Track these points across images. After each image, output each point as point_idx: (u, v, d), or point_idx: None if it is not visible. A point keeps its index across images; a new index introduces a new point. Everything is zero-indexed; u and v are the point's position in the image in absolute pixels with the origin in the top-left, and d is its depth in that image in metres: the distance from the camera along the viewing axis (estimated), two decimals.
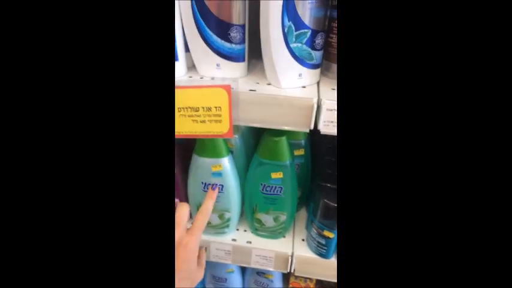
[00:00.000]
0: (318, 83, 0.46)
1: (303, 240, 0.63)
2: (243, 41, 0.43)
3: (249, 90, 0.42)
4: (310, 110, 0.40)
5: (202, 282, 0.78)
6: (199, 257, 0.45)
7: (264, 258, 0.61)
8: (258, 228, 0.61)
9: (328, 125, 0.41)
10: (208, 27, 0.41)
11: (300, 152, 0.59)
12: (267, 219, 0.59)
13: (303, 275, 0.63)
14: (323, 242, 0.57)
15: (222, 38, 0.42)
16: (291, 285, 0.72)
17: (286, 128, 0.42)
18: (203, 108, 0.42)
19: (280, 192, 0.55)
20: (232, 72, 0.45)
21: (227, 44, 0.42)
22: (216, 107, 0.41)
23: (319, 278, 0.62)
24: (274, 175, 0.53)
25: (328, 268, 0.60)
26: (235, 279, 0.73)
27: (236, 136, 0.58)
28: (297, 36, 0.39)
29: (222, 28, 0.41)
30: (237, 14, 0.41)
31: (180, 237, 0.42)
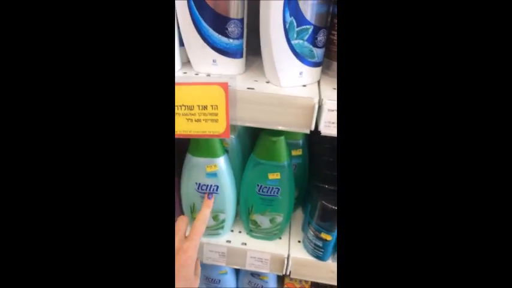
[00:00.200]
0: (318, 82, 0.44)
1: (299, 241, 0.61)
2: (241, 36, 0.41)
3: (247, 88, 0.40)
4: (311, 111, 0.39)
5: None
6: (195, 266, 0.43)
7: (259, 260, 0.59)
8: (253, 230, 0.60)
9: (329, 126, 0.39)
10: (205, 21, 0.39)
11: (297, 152, 0.58)
12: (263, 221, 0.57)
13: (299, 277, 0.61)
14: (320, 244, 0.56)
15: (219, 32, 0.40)
16: (285, 286, 0.71)
17: (285, 128, 0.41)
18: (198, 106, 0.40)
19: (277, 193, 0.53)
20: (229, 68, 0.43)
21: (224, 39, 0.40)
22: (212, 106, 0.39)
23: (315, 280, 0.61)
24: (271, 176, 0.51)
25: (324, 270, 0.59)
26: (229, 281, 0.72)
27: (232, 135, 0.56)
28: (298, 33, 0.37)
29: (219, 22, 0.39)
30: (236, 8, 0.38)
31: (179, 243, 0.41)
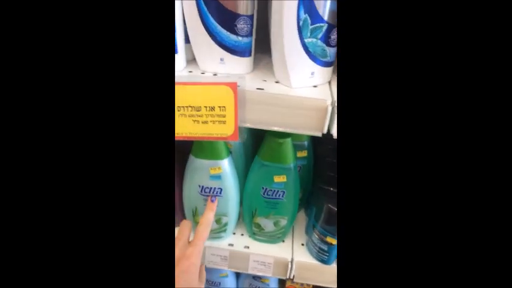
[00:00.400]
0: (329, 83, 0.42)
1: (303, 244, 0.60)
2: (250, 34, 0.39)
3: (256, 88, 0.38)
4: (323, 113, 0.37)
5: None
6: (200, 272, 0.41)
7: (262, 264, 0.58)
8: (257, 233, 0.58)
9: None
10: (213, 17, 0.37)
11: (303, 154, 0.56)
12: (267, 224, 0.56)
13: (302, 281, 0.60)
14: (325, 248, 0.55)
15: (227, 29, 0.38)
16: None
17: (296, 131, 0.39)
18: (206, 107, 0.38)
19: (282, 196, 0.52)
20: (236, 67, 0.41)
21: (233, 36, 0.38)
22: (220, 107, 0.37)
23: (319, 284, 0.59)
24: (277, 178, 0.50)
25: (328, 274, 0.57)
26: (229, 284, 0.70)
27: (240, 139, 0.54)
28: (312, 31, 0.35)
29: (228, 18, 0.37)
30: (245, 4, 0.36)
31: (181, 249, 0.39)
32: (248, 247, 0.58)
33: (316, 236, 0.55)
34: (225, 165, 0.49)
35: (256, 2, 0.37)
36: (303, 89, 0.39)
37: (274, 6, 0.35)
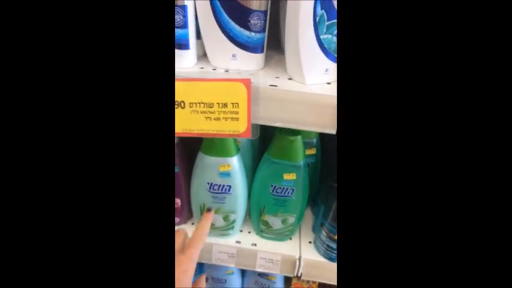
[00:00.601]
0: None
1: (310, 242, 0.60)
2: (263, 30, 0.38)
3: (269, 85, 0.38)
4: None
5: None
6: (199, 282, 0.40)
7: (269, 261, 0.58)
8: (264, 230, 0.58)
9: None
10: (226, 13, 0.36)
11: (311, 152, 0.56)
12: (275, 222, 0.56)
13: (310, 279, 0.60)
14: (333, 245, 0.55)
15: (241, 25, 0.37)
16: (293, 287, 0.70)
17: (310, 129, 0.39)
18: (218, 104, 0.37)
19: (291, 194, 0.52)
20: (248, 64, 0.40)
21: (246, 32, 0.38)
22: (233, 103, 0.37)
23: (326, 282, 0.59)
24: (286, 176, 0.50)
25: (336, 272, 0.57)
26: (235, 281, 0.70)
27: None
28: (328, 27, 0.35)
29: (242, 14, 0.36)
30: None
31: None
32: (255, 244, 0.58)
33: (325, 234, 0.55)
34: (235, 163, 0.48)
35: None
36: (316, 86, 0.38)
37: (290, 1, 0.34)
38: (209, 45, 0.40)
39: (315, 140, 0.56)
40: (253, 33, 0.38)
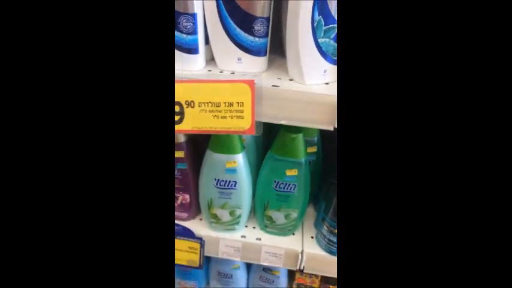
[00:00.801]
0: None
1: (312, 237, 0.62)
2: (266, 35, 0.42)
3: (272, 86, 0.41)
4: (334, 108, 0.39)
5: (207, 278, 0.77)
6: None
7: (273, 255, 0.60)
8: (268, 225, 0.61)
9: None
10: (232, 19, 0.40)
11: (312, 149, 0.59)
12: (278, 217, 0.58)
13: (312, 272, 0.62)
14: (334, 239, 0.57)
15: (246, 31, 0.40)
16: (296, 281, 0.72)
17: (309, 125, 0.42)
18: (225, 103, 0.40)
19: (293, 189, 0.54)
20: (253, 66, 0.44)
21: (250, 37, 0.41)
22: (238, 103, 0.40)
23: (327, 275, 0.62)
24: (289, 172, 0.52)
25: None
26: (241, 276, 0.73)
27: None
28: (325, 31, 0.38)
29: (247, 20, 0.40)
30: (262, 6, 0.39)
31: None
32: (260, 239, 0.61)
33: (326, 228, 0.57)
34: (240, 159, 0.51)
35: (272, 4, 0.40)
36: (316, 86, 0.41)
37: (290, 8, 0.37)
38: (217, 50, 0.43)
39: (315, 139, 0.59)
40: (257, 38, 0.41)
